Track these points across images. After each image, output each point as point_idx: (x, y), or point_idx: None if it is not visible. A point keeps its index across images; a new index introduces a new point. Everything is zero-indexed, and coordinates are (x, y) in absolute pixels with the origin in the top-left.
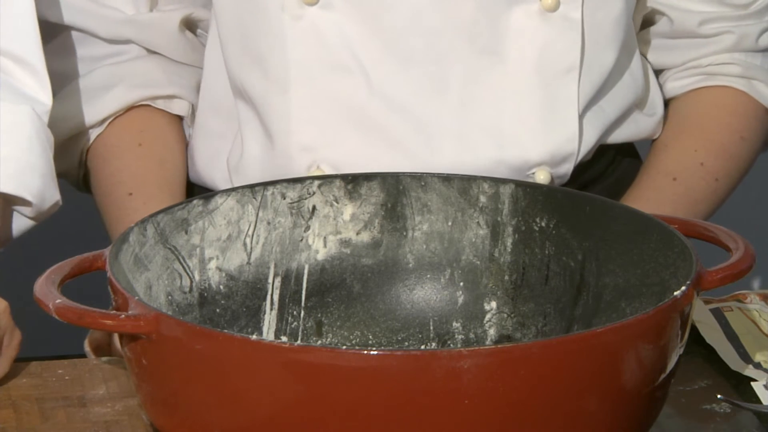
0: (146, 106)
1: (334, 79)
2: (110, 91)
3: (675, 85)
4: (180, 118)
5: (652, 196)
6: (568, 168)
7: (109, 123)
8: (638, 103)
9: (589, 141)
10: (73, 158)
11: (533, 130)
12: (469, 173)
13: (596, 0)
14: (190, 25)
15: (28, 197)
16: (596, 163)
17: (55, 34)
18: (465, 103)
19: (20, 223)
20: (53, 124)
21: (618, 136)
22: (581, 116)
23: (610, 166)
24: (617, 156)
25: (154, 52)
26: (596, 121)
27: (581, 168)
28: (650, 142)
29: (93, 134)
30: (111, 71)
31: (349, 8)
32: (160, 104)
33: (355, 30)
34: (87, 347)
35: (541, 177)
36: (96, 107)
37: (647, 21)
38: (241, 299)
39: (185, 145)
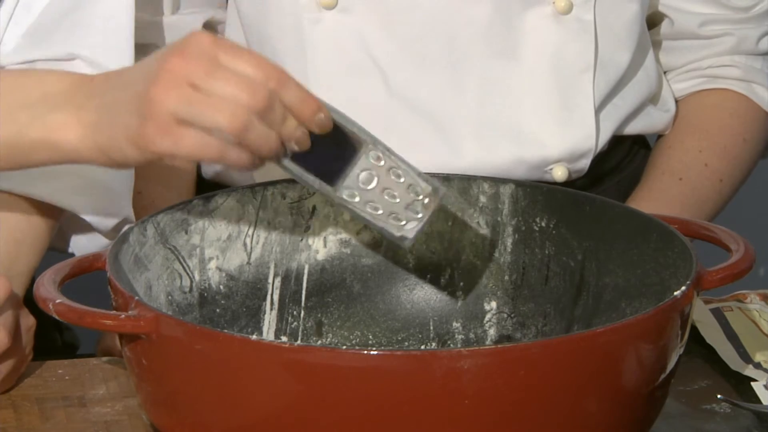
0: None
1: (353, 81)
2: None
3: (676, 87)
4: None
5: (659, 196)
6: (585, 163)
7: None
8: (652, 98)
9: (605, 136)
10: None
11: (551, 128)
12: (489, 173)
13: (609, 3)
14: (210, 28)
15: (82, 213)
16: (612, 156)
17: None
18: (483, 103)
19: (97, 240)
20: None
21: (633, 128)
22: (597, 113)
23: (625, 158)
24: (633, 147)
25: None
26: (612, 117)
27: (597, 160)
28: (656, 138)
29: None
30: None
31: (366, 12)
32: None
33: (372, 33)
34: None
35: (559, 173)
36: None
37: (650, 22)
38: (241, 299)
39: None
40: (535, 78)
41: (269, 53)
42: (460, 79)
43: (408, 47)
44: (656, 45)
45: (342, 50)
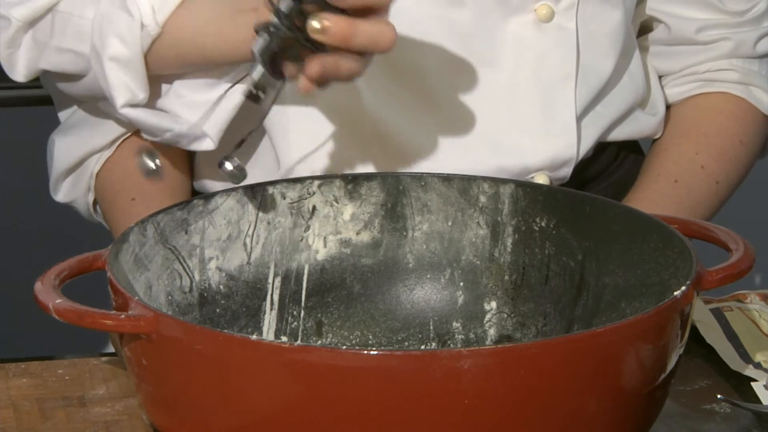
0: None
1: (331, 92)
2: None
3: (673, 91)
4: None
5: (654, 198)
6: (567, 171)
7: (118, 145)
8: (639, 103)
9: (588, 144)
10: (83, 184)
11: (532, 137)
12: None
13: (591, 10)
14: None
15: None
16: (597, 161)
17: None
18: (463, 112)
19: None
20: (62, 152)
21: (619, 134)
22: (579, 121)
23: (612, 163)
24: (620, 152)
25: None
26: (594, 125)
27: (581, 166)
28: (652, 141)
29: (102, 157)
30: None
31: None
32: None
33: None
34: None
35: (540, 181)
36: (103, 130)
37: (645, 28)
38: (241, 299)
39: (188, 155)
40: (515, 86)
41: None
42: (441, 88)
43: (387, 57)
44: (652, 50)
45: None
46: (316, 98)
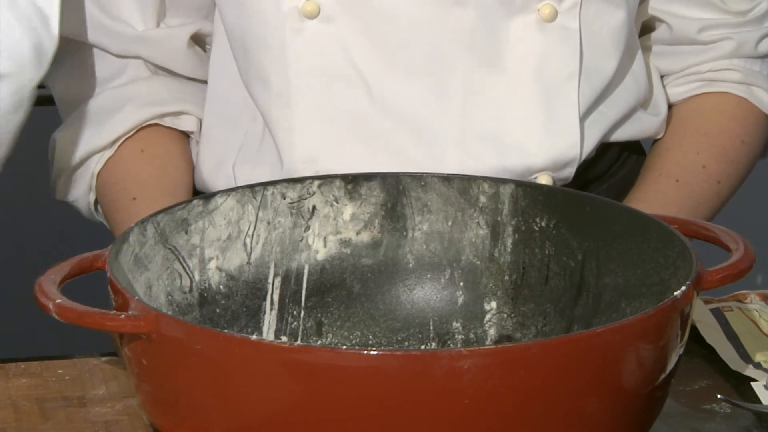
0: (154, 125)
1: (336, 90)
2: (118, 113)
3: (675, 91)
4: (187, 135)
5: (656, 197)
6: (570, 171)
7: (119, 145)
8: (642, 104)
9: (591, 144)
10: (84, 183)
11: (535, 137)
12: None
13: (594, 10)
14: (198, 40)
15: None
16: (599, 162)
17: (65, 53)
18: (466, 112)
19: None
20: (63, 151)
21: (621, 135)
22: (582, 121)
23: (614, 164)
24: (623, 153)
25: (161, 69)
26: (598, 125)
27: (584, 167)
28: (653, 141)
29: (104, 157)
30: (117, 94)
31: (349, 21)
32: (168, 122)
33: (355, 42)
34: None
35: (543, 182)
36: (105, 130)
37: (647, 27)
38: (241, 299)
39: (189, 155)
40: (519, 86)
41: (253, 63)
42: (444, 88)
43: (391, 56)
44: (653, 50)
45: (325, 59)
46: (320, 99)
